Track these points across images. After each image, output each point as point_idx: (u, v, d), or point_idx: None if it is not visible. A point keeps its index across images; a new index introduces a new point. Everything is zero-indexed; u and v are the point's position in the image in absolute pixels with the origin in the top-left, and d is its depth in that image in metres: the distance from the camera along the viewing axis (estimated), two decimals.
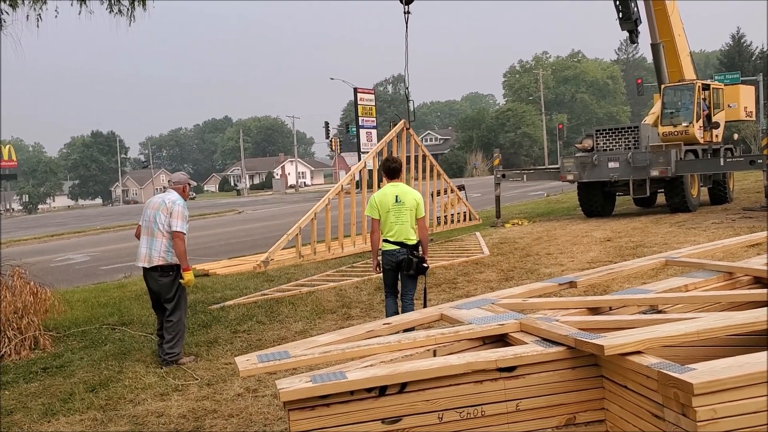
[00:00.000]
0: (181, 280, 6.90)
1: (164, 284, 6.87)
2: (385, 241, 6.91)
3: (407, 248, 6.84)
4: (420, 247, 6.98)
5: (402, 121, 15.34)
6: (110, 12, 10.02)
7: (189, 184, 7.38)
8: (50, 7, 9.66)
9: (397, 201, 6.84)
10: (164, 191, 7.36)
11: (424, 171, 15.97)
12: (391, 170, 7.08)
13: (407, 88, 14.40)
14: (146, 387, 6.10)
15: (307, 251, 13.73)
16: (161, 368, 6.64)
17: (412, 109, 15.33)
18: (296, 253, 13.61)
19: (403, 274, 6.91)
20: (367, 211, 7.13)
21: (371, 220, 7.09)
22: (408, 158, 15.46)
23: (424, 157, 16.02)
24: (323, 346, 4.06)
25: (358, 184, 15.63)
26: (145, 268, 6.92)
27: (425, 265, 6.88)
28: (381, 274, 7.16)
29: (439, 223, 16.82)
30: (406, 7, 14.21)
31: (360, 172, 14.71)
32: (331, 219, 13.69)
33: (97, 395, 5.97)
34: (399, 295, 7.08)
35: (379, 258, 7.05)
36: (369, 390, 3.46)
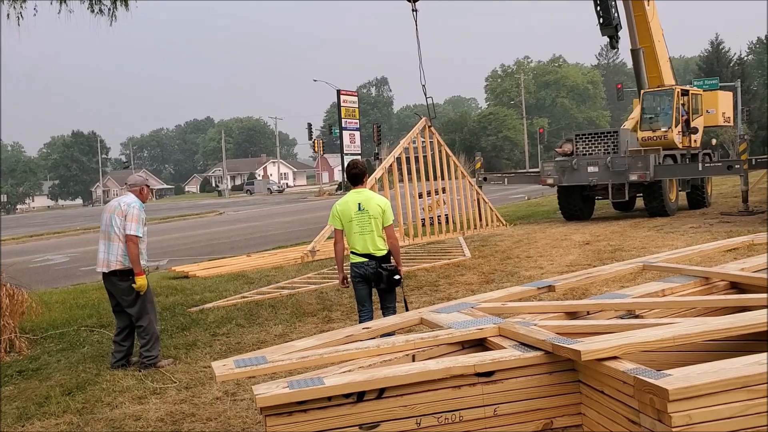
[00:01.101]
0: (133, 285, 6.66)
1: (123, 289, 6.69)
2: (353, 252, 6.46)
3: (376, 260, 6.32)
4: (391, 258, 6.48)
5: (423, 119, 15.21)
6: (91, 11, 9.92)
7: (147, 186, 7.11)
8: (29, 6, 9.56)
9: (359, 209, 6.34)
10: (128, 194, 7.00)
11: (448, 171, 15.90)
12: (352, 176, 6.52)
13: (424, 85, 14.22)
14: (124, 390, 6.04)
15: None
16: (139, 371, 6.57)
17: (431, 106, 15.02)
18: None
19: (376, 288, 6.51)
20: (329, 220, 6.65)
21: (333, 231, 6.62)
22: (432, 157, 15.40)
23: (447, 156, 15.91)
24: (301, 351, 4.04)
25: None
26: (104, 273, 6.75)
27: (396, 277, 6.33)
28: (351, 288, 6.65)
29: (469, 226, 16.72)
30: (414, 5, 14.25)
31: (390, 166, 14.68)
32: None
33: (73, 399, 5.90)
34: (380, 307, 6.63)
35: (347, 271, 6.60)
36: (347, 396, 3.45)
